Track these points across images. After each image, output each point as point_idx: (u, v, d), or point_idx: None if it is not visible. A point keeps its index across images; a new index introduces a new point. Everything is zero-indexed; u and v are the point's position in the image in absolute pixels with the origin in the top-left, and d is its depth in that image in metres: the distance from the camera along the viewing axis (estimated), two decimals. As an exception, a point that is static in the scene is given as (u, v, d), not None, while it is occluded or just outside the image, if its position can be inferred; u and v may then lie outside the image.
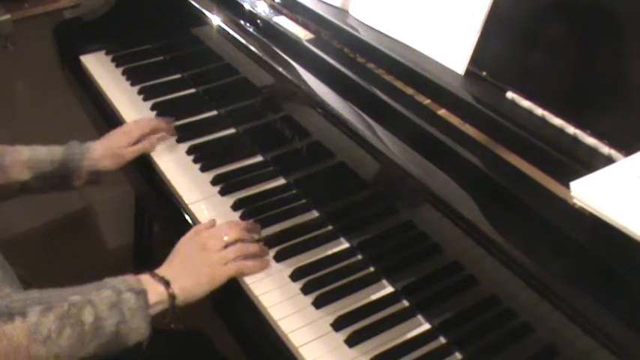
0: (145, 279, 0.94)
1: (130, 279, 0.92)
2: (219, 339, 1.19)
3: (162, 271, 0.97)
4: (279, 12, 1.23)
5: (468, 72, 0.98)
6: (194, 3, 1.32)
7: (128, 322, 0.88)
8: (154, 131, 1.29)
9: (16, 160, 1.14)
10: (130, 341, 0.89)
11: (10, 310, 0.81)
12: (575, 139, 0.85)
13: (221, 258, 0.99)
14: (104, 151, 1.22)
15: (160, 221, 1.47)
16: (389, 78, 1.02)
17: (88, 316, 0.85)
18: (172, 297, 0.94)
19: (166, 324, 0.95)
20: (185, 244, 1.02)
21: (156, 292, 0.92)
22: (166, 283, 0.94)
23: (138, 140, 1.26)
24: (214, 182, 1.21)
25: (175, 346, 1.16)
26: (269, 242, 1.07)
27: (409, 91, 0.99)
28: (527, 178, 0.81)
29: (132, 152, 1.24)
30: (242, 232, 1.04)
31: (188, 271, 0.97)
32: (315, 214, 1.14)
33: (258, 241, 1.06)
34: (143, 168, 1.28)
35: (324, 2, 1.20)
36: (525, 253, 0.75)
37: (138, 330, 0.89)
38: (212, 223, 1.07)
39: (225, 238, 1.02)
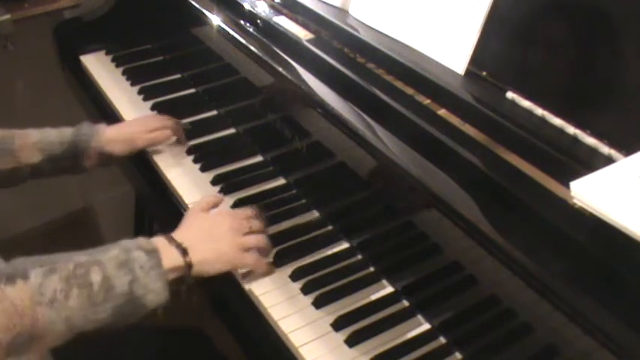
0: (160, 242, 0.90)
1: (141, 239, 0.89)
2: (218, 338, 1.19)
3: (179, 236, 0.93)
4: (279, 12, 1.23)
5: (468, 72, 0.98)
6: (194, 3, 1.32)
7: (141, 281, 0.84)
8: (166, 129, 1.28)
9: (26, 142, 1.13)
10: (148, 303, 0.85)
11: (10, 272, 0.78)
12: (575, 139, 0.85)
13: (242, 242, 0.98)
14: (115, 135, 1.21)
15: (160, 221, 1.47)
16: (389, 78, 1.02)
17: (95, 276, 0.81)
18: (189, 265, 0.90)
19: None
20: (212, 218, 1.00)
21: (171, 257, 0.89)
22: (184, 250, 0.91)
23: (152, 131, 1.25)
24: (214, 182, 1.21)
25: (175, 345, 1.16)
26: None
27: (409, 91, 0.99)
28: (527, 178, 0.81)
29: (145, 140, 1.24)
30: (263, 225, 1.04)
31: (212, 244, 0.95)
32: (315, 214, 1.14)
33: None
34: (143, 168, 1.28)
35: (324, 2, 1.20)
36: (525, 253, 0.75)
37: (154, 290, 0.85)
38: (220, 200, 1.07)
39: (251, 225, 1.01)
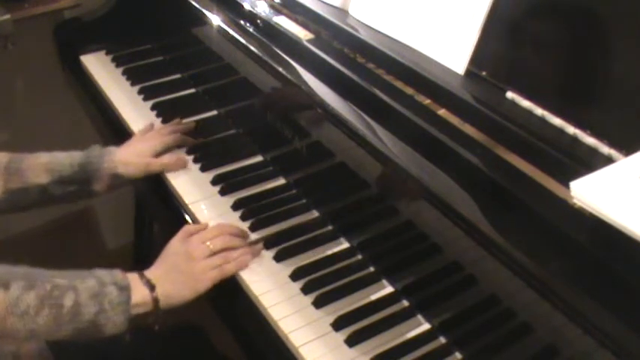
0: (133, 278, 0.95)
1: (117, 274, 0.94)
2: (218, 338, 1.19)
3: (150, 273, 0.99)
4: (279, 12, 1.23)
5: (468, 72, 0.98)
6: (194, 3, 1.32)
7: (107, 313, 0.90)
8: (178, 145, 1.27)
9: (34, 162, 1.11)
10: (106, 332, 0.91)
11: None
12: (575, 139, 0.85)
13: (205, 266, 1.00)
14: (128, 156, 1.18)
15: (160, 221, 1.47)
16: (389, 78, 1.02)
17: (68, 301, 0.88)
18: (155, 301, 0.95)
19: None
20: (173, 250, 1.03)
21: (140, 294, 0.94)
22: (151, 287, 0.95)
23: (161, 153, 1.23)
24: (214, 182, 1.21)
25: (174, 345, 1.16)
26: (269, 242, 1.07)
27: (409, 91, 0.99)
28: (527, 178, 0.81)
29: (157, 165, 1.21)
30: (229, 240, 1.04)
31: (172, 278, 0.99)
32: (315, 214, 1.14)
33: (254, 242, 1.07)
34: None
35: (324, 2, 1.20)
36: (525, 253, 0.75)
37: (115, 323, 0.91)
38: (203, 227, 1.07)
39: (211, 247, 1.02)
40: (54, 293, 0.87)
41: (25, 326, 0.85)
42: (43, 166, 1.11)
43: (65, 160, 1.14)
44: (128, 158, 1.18)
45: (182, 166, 1.23)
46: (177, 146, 1.28)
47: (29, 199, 1.12)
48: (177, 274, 0.99)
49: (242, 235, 1.08)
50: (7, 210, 1.12)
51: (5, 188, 1.09)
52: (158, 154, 1.22)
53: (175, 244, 1.04)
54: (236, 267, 1.02)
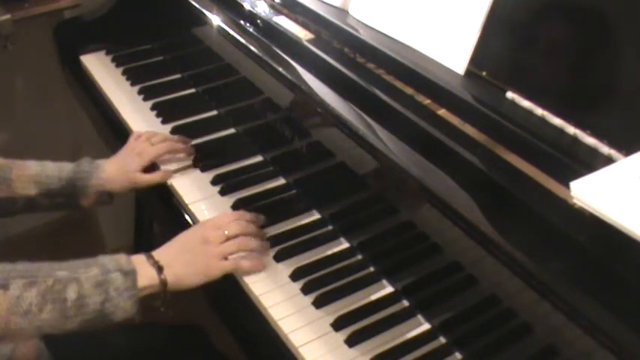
0: (139, 261, 0.94)
1: (122, 258, 0.93)
2: (218, 338, 1.19)
3: (158, 254, 0.97)
4: (279, 12, 1.23)
5: (468, 72, 0.98)
6: (194, 3, 1.32)
7: (113, 301, 0.89)
8: (170, 152, 1.24)
9: (23, 173, 1.10)
10: (116, 318, 0.90)
11: None
12: (575, 139, 0.85)
13: (220, 252, 0.99)
14: (115, 172, 1.17)
15: (160, 221, 1.47)
16: (389, 78, 1.02)
17: (71, 293, 0.86)
18: (164, 282, 0.94)
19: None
20: (188, 233, 1.02)
21: (147, 276, 0.93)
22: (159, 268, 0.94)
23: (152, 162, 1.21)
24: (214, 182, 1.21)
25: (174, 344, 1.16)
26: (269, 242, 1.07)
27: (409, 91, 0.99)
28: (527, 178, 0.81)
29: (145, 180, 1.19)
30: (245, 225, 1.04)
31: (184, 259, 0.98)
32: (315, 214, 1.14)
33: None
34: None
35: (324, 2, 1.20)
36: (525, 253, 0.75)
37: (124, 309, 0.90)
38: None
39: (226, 232, 1.01)
40: (56, 287, 0.86)
41: (30, 324, 0.84)
42: (31, 177, 1.11)
43: (54, 172, 1.13)
44: (116, 175, 1.16)
45: (168, 178, 1.21)
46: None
47: (15, 208, 1.12)
48: (189, 257, 0.98)
49: (257, 222, 1.07)
50: None
51: None
52: (151, 164, 1.20)
53: (191, 229, 1.03)
54: (250, 267, 1.01)
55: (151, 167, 1.22)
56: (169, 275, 0.95)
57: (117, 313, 0.90)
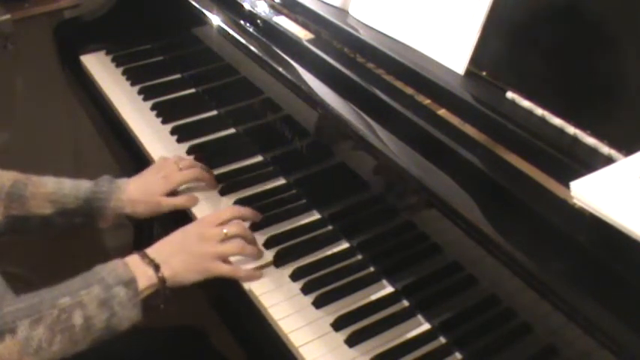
0: (135, 262, 0.93)
1: (119, 267, 0.92)
2: (218, 338, 1.19)
3: (153, 251, 0.96)
4: (279, 12, 1.23)
5: (468, 72, 0.98)
6: (194, 3, 1.32)
7: (119, 315, 0.89)
8: (196, 180, 1.17)
9: (38, 191, 1.06)
10: (123, 329, 0.90)
11: (0, 327, 0.82)
12: (575, 139, 0.85)
13: (217, 252, 0.99)
14: (137, 194, 1.11)
15: (160, 221, 1.47)
16: (389, 78, 1.02)
17: (78, 319, 0.86)
18: (162, 280, 0.94)
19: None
20: (185, 229, 1.01)
21: (145, 276, 0.93)
22: (156, 267, 0.94)
23: (177, 188, 1.15)
24: (214, 182, 1.21)
25: (174, 345, 1.16)
26: (269, 243, 1.07)
27: (409, 91, 0.99)
28: (527, 178, 0.81)
29: (170, 205, 1.12)
30: (244, 229, 1.04)
31: (181, 256, 0.97)
32: (315, 214, 1.14)
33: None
34: (142, 168, 1.28)
35: (324, 2, 1.20)
36: (525, 253, 0.75)
37: (129, 318, 0.90)
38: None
39: (226, 230, 1.00)
40: (62, 317, 0.85)
41: (42, 359, 0.84)
42: (47, 196, 1.06)
43: (71, 191, 1.08)
44: (138, 197, 1.10)
45: (194, 204, 1.15)
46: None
47: (29, 227, 1.08)
48: (186, 255, 0.97)
49: (256, 217, 1.07)
50: (5, 234, 1.07)
51: (6, 214, 1.05)
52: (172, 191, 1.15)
53: (189, 226, 1.02)
54: (248, 277, 1.01)
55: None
56: (166, 272, 0.94)
57: (123, 324, 0.90)
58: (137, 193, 1.11)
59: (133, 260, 0.94)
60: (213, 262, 0.99)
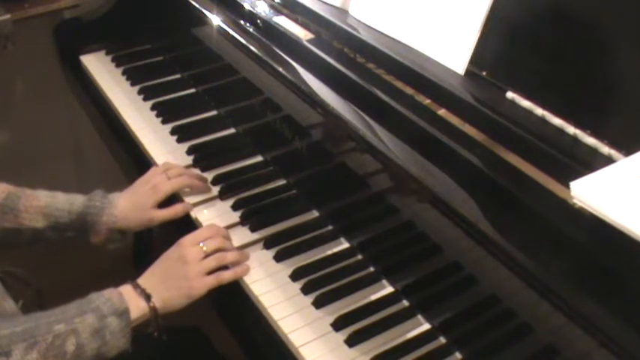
0: (128, 292, 0.95)
1: (114, 297, 0.92)
2: (218, 338, 1.19)
3: (144, 281, 0.97)
4: (279, 12, 1.23)
5: (468, 72, 0.98)
6: (194, 3, 1.32)
7: (109, 344, 0.90)
8: (187, 187, 1.17)
9: (32, 204, 1.06)
10: (110, 356, 0.92)
11: None
12: (575, 139, 0.85)
13: (200, 270, 0.99)
14: (128, 208, 1.11)
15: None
16: (389, 78, 1.02)
17: (70, 346, 0.87)
18: (154, 310, 0.95)
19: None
20: (167, 254, 1.02)
21: (138, 307, 0.94)
22: (147, 297, 0.95)
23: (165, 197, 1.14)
24: (214, 182, 1.21)
25: (173, 344, 1.16)
26: (269, 242, 1.07)
27: (409, 91, 0.99)
28: (527, 178, 0.81)
29: (161, 217, 1.13)
30: (221, 241, 1.04)
31: (168, 284, 0.98)
32: (315, 214, 1.14)
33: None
34: (143, 168, 1.28)
35: (324, 2, 1.20)
36: (525, 253, 0.75)
37: (118, 347, 0.92)
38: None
39: (205, 248, 1.01)
40: (55, 343, 0.86)
41: None
42: (40, 209, 1.07)
43: (64, 205, 1.08)
44: (129, 213, 1.11)
45: (187, 211, 1.15)
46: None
47: (21, 239, 1.08)
48: (171, 281, 0.98)
49: (227, 236, 1.07)
50: None
51: None
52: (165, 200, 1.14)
53: (169, 251, 1.02)
54: (233, 275, 1.01)
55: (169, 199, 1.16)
56: (157, 301, 0.95)
57: (112, 352, 0.91)
58: (128, 207, 1.11)
59: (127, 290, 0.95)
60: (198, 280, 0.99)
